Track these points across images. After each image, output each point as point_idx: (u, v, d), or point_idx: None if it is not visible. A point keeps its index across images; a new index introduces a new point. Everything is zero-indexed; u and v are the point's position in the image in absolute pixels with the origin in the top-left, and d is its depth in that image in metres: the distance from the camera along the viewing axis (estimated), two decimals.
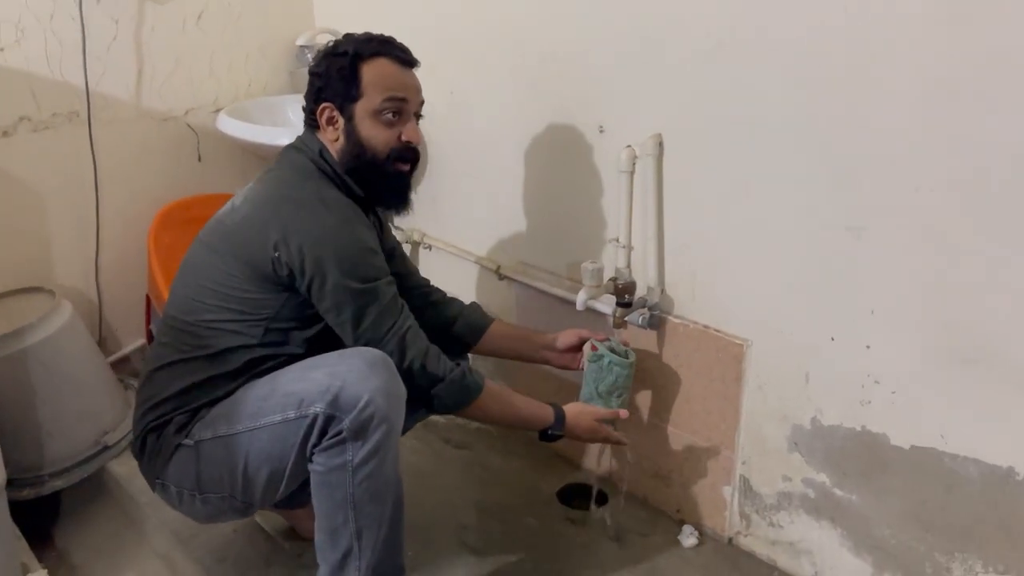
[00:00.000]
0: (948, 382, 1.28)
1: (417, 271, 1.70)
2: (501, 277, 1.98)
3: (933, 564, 1.38)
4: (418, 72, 1.43)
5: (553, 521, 1.76)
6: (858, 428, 1.41)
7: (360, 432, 1.22)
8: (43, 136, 1.98)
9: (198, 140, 2.25)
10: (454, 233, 2.13)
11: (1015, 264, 1.16)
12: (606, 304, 1.67)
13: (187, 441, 1.32)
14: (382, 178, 1.40)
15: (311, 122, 1.42)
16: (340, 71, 1.36)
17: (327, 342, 1.35)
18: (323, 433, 1.23)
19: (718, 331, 1.57)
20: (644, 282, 1.64)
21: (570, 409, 1.53)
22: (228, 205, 1.41)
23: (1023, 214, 1.14)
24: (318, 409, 1.22)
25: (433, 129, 2.06)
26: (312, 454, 1.26)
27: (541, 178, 1.82)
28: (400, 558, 1.36)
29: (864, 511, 1.45)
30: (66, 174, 2.04)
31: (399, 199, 1.45)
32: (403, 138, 1.39)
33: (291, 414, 1.24)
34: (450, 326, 1.65)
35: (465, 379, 1.41)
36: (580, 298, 1.63)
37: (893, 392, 1.35)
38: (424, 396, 1.38)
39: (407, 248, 2.23)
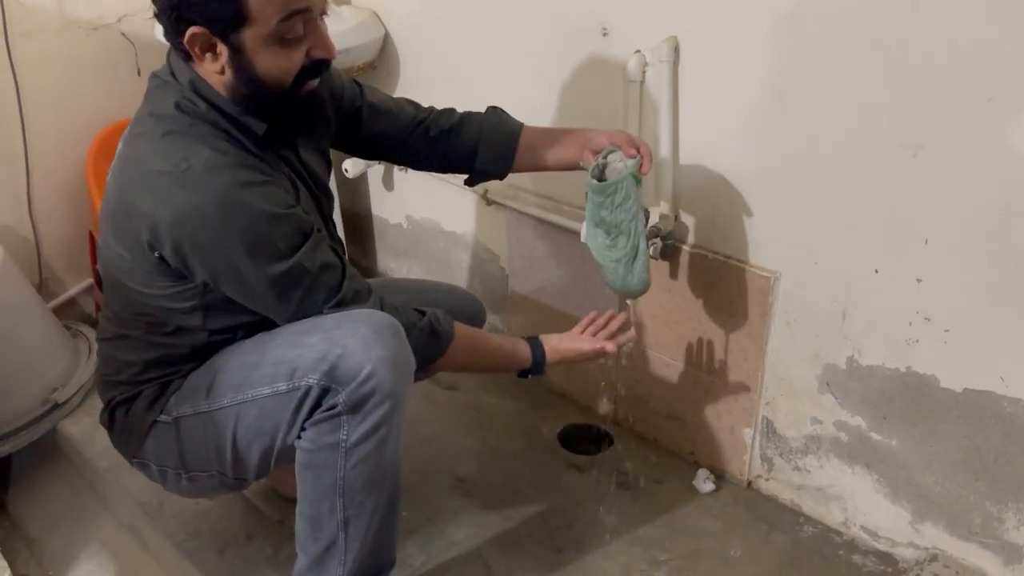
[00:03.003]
0: (1012, 320, 1.14)
1: (403, 109, 1.37)
2: (489, 203, 1.79)
3: (983, 513, 1.27)
4: None
5: (558, 468, 1.63)
6: (902, 369, 1.27)
7: (358, 407, 1.05)
8: None
9: (136, 51, 1.97)
10: None
11: None
12: None
13: (163, 417, 1.16)
14: (289, 107, 1.09)
15: (177, 47, 1.05)
16: None
17: None
18: (316, 407, 1.06)
19: (741, 262, 1.41)
20: (655, 208, 1.46)
21: (551, 339, 1.33)
22: (110, 171, 1.13)
23: None
24: (312, 380, 1.04)
25: (409, 35, 1.82)
26: (303, 429, 1.08)
27: (534, 89, 1.60)
28: (392, 552, 1.21)
29: (905, 457, 1.32)
30: None
31: (307, 123, 1.18)
32: (312, 55, 1.05)
33: (282, 386, 1.06)
34: (471, 161, 1.36)
35: (434, 329, 1.19)
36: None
37: (946, 330, 1.21)
38: None
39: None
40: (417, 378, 1.16)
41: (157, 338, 1.15)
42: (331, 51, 1.07)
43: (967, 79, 1.07)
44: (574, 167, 1.32)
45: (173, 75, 1.08)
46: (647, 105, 1.41)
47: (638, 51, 1.38)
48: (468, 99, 1.73)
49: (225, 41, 1.02)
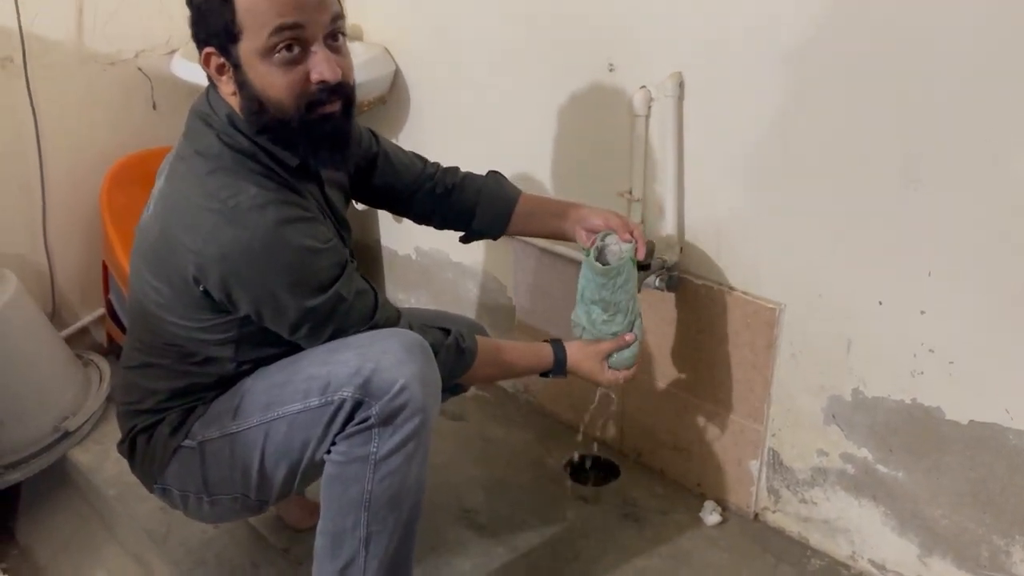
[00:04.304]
0: (1015, 353, 1.15)
1: (412, 163, 1.38)
2: None
3: (990, 547, 1.26)
4: None
5: (564, 499, 1.63)
6: (908, 401, 1.28)
7: (390, 419, 1.06)
8: None
9: (152, 86, 2.01)
10: None
11: None
12: None
13: (188, 442, 1.17)
14: (302, 134, 1.06)
15: (207, 75, 1.08)
16: (208, 1, 1.01)
17: None
18: (349, 420, 1.07)
19: (746, 294, 1.42)
20: (660, 240, 1.48)
21: (572, 348, 1.34)
22: (146, 208, 1.15)
23: None
24: (346, 394, 1.05)
25: (419, 70, 1.85)
26: (333, 443, 1.09)
27: (542, 124, 1.62)
28: (408, 574, 1.20)
29: (912, 489, 1.32)
30: (2, 129, 1.82)
31: (334, 152, 1.10)
32: (313, 78, 1.03)
33: (314, 401, 1.08)
34: (469, 220, 1.40)
35: (460, 346, 1.22)
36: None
37: (951, 362, 1.21)
38: None
39: None
40: (445, 397, 1.18)
41: (185, 367, 1.16)
42: (329, 73, 1.02)
43: (967, 114, 1.08)
44: (564, 238, 1.38)
45: (212, 110, 1.09)
46: (652, 139, 1.43)
47: (643, 86, 1.40)
48: (477, 133, 1.77)
49: (228, 58, 1.03)
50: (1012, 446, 1.19)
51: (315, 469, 1.13)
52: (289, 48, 1.01)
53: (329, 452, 1.10)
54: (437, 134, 1.87)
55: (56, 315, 1.99)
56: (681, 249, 1.48)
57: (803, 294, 1.35)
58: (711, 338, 1.49)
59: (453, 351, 1.21)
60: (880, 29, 1.12)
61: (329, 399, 1.07)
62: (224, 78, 1.05)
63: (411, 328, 1.17)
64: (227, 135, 1.07)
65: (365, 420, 1.06)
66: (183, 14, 1.93)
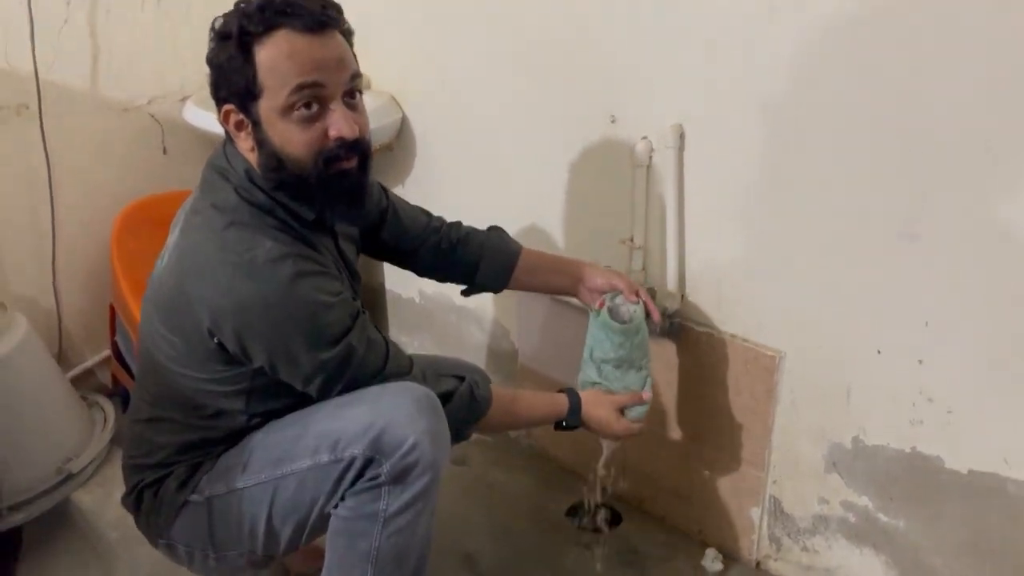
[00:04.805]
0: (1013, 402, 1.16)
1: (417, 217, 1.41)
2: None
3: None
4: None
5: (566, 545, 1.62)
6: (907, 449, 1.28)
7: (400, 478, 1.06)
8: None
9: (163, 132, 2.05)
10: None
11: None
12: None
13: (195, 497, 1.16)
14: (320, 189, 1.07)
15: (225, 130, 1.11)
16: (230, 60, 1.03)
17: None
18: (359, 477, 1.07)
19: (747, 341, 1.43)
20: (662, 287, 1.50)
21: (587, 397, 1.35)
22: (160, 259, 1.16)
23: None
24: (356, 451, 1.05)
25: (424, 120, 1.89)
26: (341, 498, 1.09)
27: (545, 173, 1.66)
28: None
29: (913, 538, 1.32)
30: (16, 173, 1.85)
31: (351, 207, 1.12)
32: (332, 134, 1.05)
33: (324, 457, 1.07)
34: (472, 275, 1.43)
35: (474, 394, 1.23)
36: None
37: (949, 411, 1.23)
38: None
39: None
40: (455, 442, 1.17)
41: (194, 420, 1.16)
42: (347, 130, 1.05)
43: (961, 166, 1.11)
44: (565, 294, 1.43)
45: (230, 164, 1.10)
46: (654, 188, 1.46)
47: (645, 137, 1.43)
48: (482, 181, 1.80)
49: (248, 115, 1.05)
50: (1011, 495, 1.19)
51: (322, 523, 1.13)
52: (308, 106, 1.03)
53: (336, 507, 1.10)
54: (443, 181, 1.90)
55: (62, 356, 2.00)
56: (682, 296, 1.50)
57: (803, 342, 1.36)
58: (712, 385, 1.50)
59: (467, 399, 1.21)
60: (876, 84, 1.16)
61: (339, 456, 1.06)
62: (243, 134, 1.08)
63: (424, 377, 1.18)
64: (244, 189, 1.09)
65: (375, 478, 1.06)
66: (195, 62, 1.98)
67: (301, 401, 1.15)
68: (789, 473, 1.46)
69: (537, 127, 1.64)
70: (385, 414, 1.06)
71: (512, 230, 1.75)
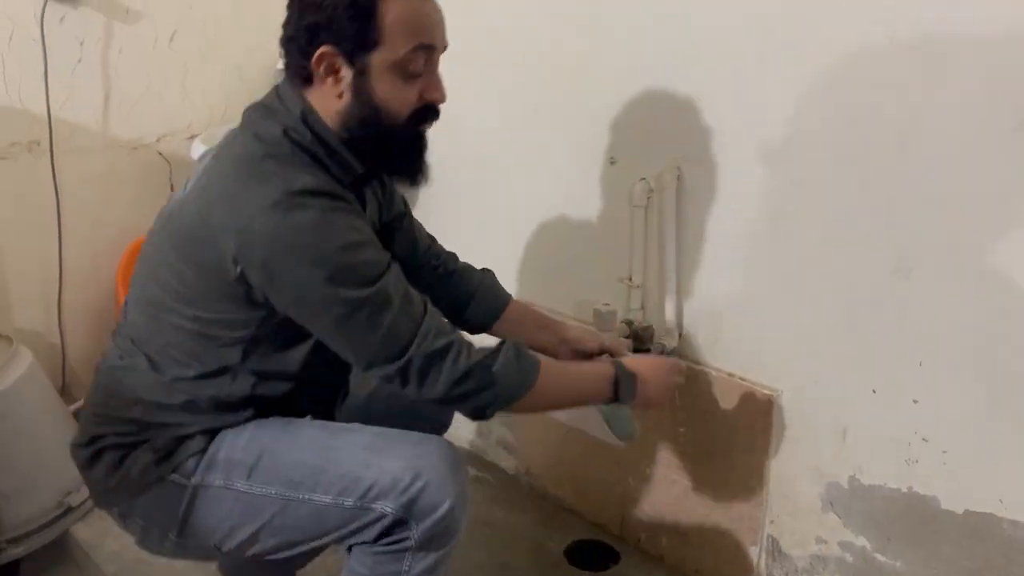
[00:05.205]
0: (1007, 442, 1.17)
1: (424, 236, 1.40)
2: None
3: None
4: None
5: None
6: (904, 489, 1.29)
7: (428, 544, 1.04)
8: (0, 167, 1.82)
9: (171, 169, 2.08)
10: None
11: None
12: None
13: (177, 478, 1.08)
14: (398, 144, 1.09)
15: (300, 72, 1.06)
16: (352, 5, 1.00)
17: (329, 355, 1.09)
18: (384, 534, 1.04)
19: (744, 379, 1.44)
20: (660, 325, 1.52)
21: (632, 364, 1.22)
22: (179, 192, 1.10)
23: None
24: (388, 508, 1.03)
25: (435, 150, 1.91)
26: (356, 547, 1.07)
27: (546, 213, 1.69)
28: None
29: None
30: (26, 209, 1.88)
31: (414, 166, 1.13)
32: (429, 96, 1.07)
33: (349, 502, 1.04)
34: (463, 308, 1.38)
35: (520, 353, 1.10)
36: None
37: (944, 451, 1.23)
38: (474, 399, 1.07)
39: None
40: (476, 419, 1.11)
41: (179, 373, 1.09)
42: (443, 95, 1.09)
43: (955, 207, 1.13)
44: (544, 352, 1.33)
45: (283, 104, 1.07)
46: (652, 228, 1.48)
47: (643, 178, 1.46)
48: (484, 219, 1.82)
49: (352, 63, 1.03)
50: (1007, 535, 1.19)
51: (308, 553, 1.10)
52: (419, 66, 1.05)
53: (353, 559, 1.07)
54: (444, 217, 1.92)
55: (65, 390, 2.01)
56: (680, 335, 1.51)
57: (799, 381, 1.37)
58: (709, 423, 1.51)
59: (513, 360, 1.09)
60: (867, 126, 1.18)
61: (367, 506, 1.04)
62: (331, 79, 1.05)
63: (464, 344, 1.08)
64: (293, 129, 1.05)
65: (403, 540, 1.04)
66: (204, 102, 2.02)
67: (299, 384, 1.12)
68: (787, 512, 1.46)
69: (538, 168, 1.67)
70: (422, 472, 1.03)
71: (512, 266, 1.79)
